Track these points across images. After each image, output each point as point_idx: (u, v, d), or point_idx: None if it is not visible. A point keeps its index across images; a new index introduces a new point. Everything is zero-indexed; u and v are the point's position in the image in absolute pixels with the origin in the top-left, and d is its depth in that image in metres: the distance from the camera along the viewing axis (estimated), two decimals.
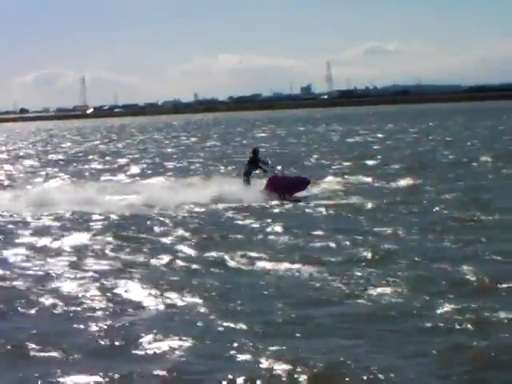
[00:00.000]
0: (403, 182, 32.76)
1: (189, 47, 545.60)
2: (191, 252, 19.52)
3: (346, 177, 36.13)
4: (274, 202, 27.56)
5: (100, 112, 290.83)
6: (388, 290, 14.91)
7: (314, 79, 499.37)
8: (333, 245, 19.55)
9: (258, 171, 29.76)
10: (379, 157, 47.32)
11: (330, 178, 35.34)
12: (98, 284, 16.31)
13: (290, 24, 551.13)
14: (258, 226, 23.22)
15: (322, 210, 25.79)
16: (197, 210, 26.70)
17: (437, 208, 25.11)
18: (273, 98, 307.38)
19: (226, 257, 18.56)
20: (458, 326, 12.64)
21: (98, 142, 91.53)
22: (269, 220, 23.95)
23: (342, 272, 16.40)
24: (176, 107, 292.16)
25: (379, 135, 74.62)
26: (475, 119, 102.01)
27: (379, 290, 14.90)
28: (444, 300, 14.02)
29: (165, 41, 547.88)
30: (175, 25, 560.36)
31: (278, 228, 22.47)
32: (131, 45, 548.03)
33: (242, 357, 11.55)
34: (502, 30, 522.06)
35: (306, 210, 26.13)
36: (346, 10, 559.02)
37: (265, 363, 11.22)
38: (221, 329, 12.95)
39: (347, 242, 19.71)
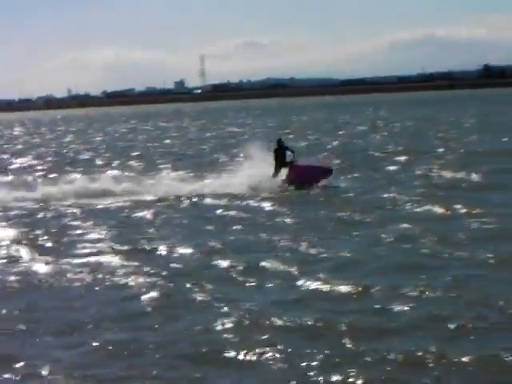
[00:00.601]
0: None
1: (63, 42, 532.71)
2: None
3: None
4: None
5: None
6: None
7: (188, 74, 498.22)
8: None
9: (288, 154, 29.24)
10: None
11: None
12: None
13: (163, 18, 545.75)
14: None
15: None
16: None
17: None
18: (146, 92, 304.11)
19: None
20: None
21: None
22: None
23: None
24: (49, 103, 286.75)
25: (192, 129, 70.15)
26: (337, 112, 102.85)
27: None
28: None
29: (38, 36, 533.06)
30: (46, 18, 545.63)
31: None
32: (3, 41, 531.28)
33: None
34: (373, 27, 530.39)
35: None
36: (218, 4, 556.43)
37: None
38: None
39: None
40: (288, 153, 29.25)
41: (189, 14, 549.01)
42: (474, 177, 28.16)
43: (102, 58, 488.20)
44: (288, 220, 21.65)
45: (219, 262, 16.48)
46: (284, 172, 28.81)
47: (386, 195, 24.99)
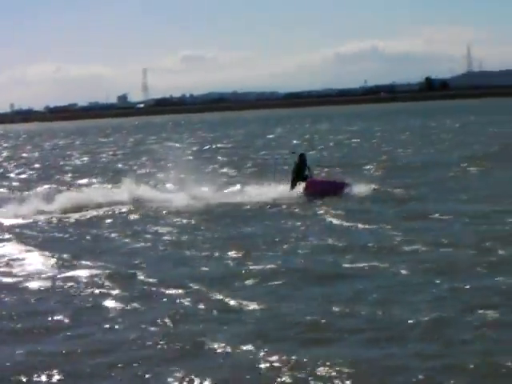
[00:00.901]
0: None
1: (4, 57, 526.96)
2: None
3: None
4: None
5: None
6: None
7: (131, 88, 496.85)
8: None
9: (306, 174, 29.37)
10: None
11: None
12: None
13: (104, 32, 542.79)
14: None
15: None
16: None
17: None
18: (88, 107, 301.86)
19: None
20: None
21: None
22: None
23: None
24: None
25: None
26: (273, 127, 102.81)
27: None
28: None
29: None
30: None
31: None
32: None
33: None
34: (315, 40, 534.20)
35: None
36: (161, 17, 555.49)
37: None
38: None
39: None
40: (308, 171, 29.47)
41: (130, 28, 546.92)
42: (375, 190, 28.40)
43: (44, 73, 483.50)
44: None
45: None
46: (298, 186, 28.94)
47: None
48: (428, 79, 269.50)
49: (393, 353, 10.98)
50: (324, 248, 18.42)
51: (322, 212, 24.15)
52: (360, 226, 21.23)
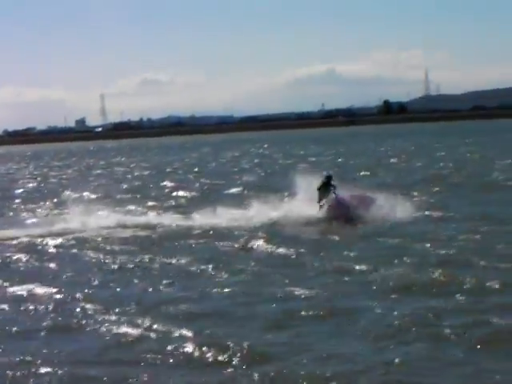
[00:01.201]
0: None
1: None
2: None
3: None
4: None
5: None
6: None
7: (89, 112, 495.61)
8: None
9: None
10: None
11: None
12: None
13: (67, 56, 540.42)
14: None
15: None
16: None
17: None
18: (47, 131, 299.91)
19: None
20: None
21: None
22: None
23: None
24: None
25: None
26: (225, 151, 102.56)
27: None
28: None
29: None
30: None
31: None
32: None
33: None
34: (273, 64, 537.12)
35: None
36: (116, 41, 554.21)
37: None
38: None
39: None
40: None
41: (89, 53, 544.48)
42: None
43: (3, 97, 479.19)
44: None
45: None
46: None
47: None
48: (386, 102, 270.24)
49: None
50: None
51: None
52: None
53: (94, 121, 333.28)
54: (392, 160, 60.59)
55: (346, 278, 17.68)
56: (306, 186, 29.91)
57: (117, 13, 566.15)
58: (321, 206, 28.62)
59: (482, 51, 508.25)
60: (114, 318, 15.26)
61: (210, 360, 12.54)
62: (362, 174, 48.23)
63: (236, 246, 23.06)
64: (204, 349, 12.87)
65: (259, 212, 28.85)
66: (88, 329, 14.67)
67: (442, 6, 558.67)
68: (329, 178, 29.34)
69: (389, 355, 12.19)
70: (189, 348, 13.00)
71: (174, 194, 41.31)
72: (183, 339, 13.50)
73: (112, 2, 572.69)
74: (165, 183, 49.28)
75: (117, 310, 15.81)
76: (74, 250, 23.92)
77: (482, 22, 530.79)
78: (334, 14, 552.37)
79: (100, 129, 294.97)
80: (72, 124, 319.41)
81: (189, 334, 13.80)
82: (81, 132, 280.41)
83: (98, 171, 72.47)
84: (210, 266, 19.89)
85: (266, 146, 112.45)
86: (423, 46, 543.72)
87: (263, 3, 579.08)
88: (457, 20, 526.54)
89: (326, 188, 28.91)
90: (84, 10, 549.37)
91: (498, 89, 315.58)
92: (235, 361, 12.42)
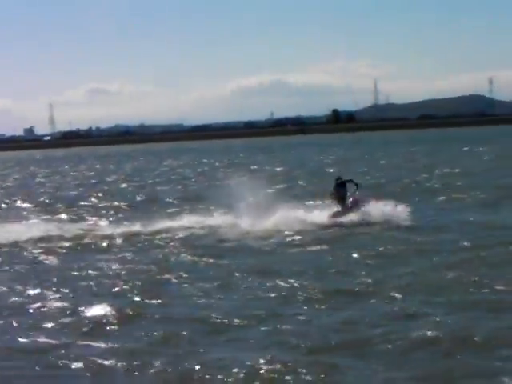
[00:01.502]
0: None
1: None
2: None
3: None
4: None
5: None
6: None
7: (38, 121, 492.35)
8: None
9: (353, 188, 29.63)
10: None
11: None
12: None
13: (15, 66, 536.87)
14: None
15: None
16: None
17: None
18: None
19: None
20: None
21: None
22: None
23: None
24: None
25: None
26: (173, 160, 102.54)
27: None
28: None
29: None
30: None
31: None
32: None
33: None
34: (222, 73, 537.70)
35: None
36: (63, 50, 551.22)
37: None
38: None
39: None
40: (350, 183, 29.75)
41: (37, 62, 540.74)
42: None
43: None
44: None
45: None
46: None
47: None
48: (335, 111, 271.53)
49: None
50: None
51: None
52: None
53: (42, 130, 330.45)
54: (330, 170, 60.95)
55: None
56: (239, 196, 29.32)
57: (65, 22, 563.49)
58: (342, 205, 28.90)
59: (430, 62, 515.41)
60: None
61: None
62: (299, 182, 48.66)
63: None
64: None
65: (189, 222, 28.88)
66: None
67: (390, 17, 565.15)
68: (338, 180, 29.69)
69: None
70: None
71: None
72: None
73: (60, 12, 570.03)
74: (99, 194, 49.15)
75: None
76: None
77: (430, 34, 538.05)
78: (282, 24, 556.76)
79: (49, 137, 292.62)
80: (21, 133, 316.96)
81: None
82: (29, 141, 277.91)
83: (42, 179, 72.02)
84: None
85: (210, 155, 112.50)
86: (372, 56, 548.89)
87: (212, 14, 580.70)
88: (406, 31, 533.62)
89: (339, 189, 29.35)
90: (31, 19, 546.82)
91: (445, 98, 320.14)
92: None
